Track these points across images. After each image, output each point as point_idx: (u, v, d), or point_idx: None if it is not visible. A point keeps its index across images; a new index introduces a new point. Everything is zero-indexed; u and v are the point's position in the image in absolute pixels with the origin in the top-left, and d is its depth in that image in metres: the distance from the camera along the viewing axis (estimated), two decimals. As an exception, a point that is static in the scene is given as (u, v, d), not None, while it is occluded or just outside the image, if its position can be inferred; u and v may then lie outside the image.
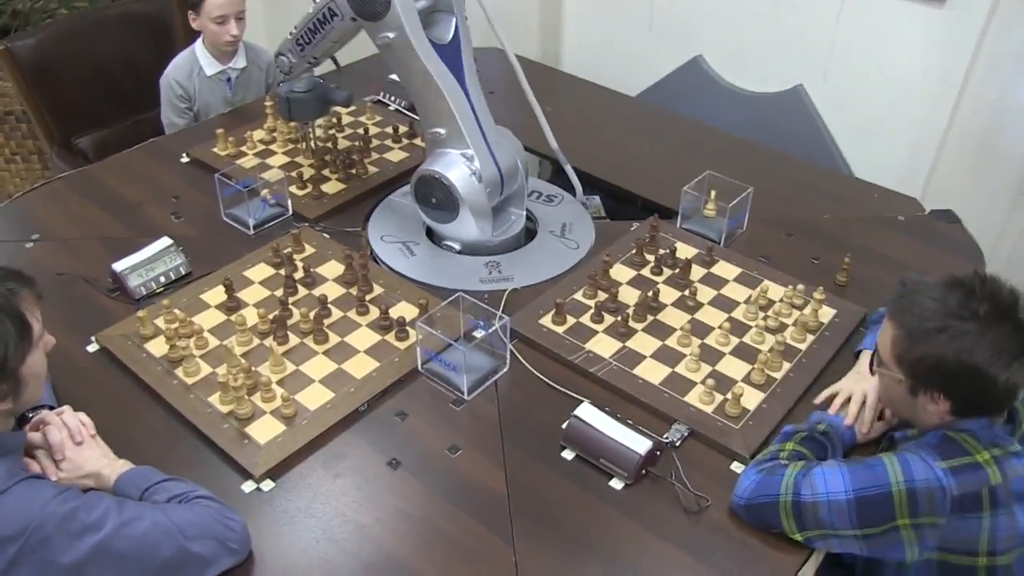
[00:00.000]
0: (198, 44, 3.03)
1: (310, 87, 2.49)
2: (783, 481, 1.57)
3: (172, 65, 3.03)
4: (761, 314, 2.09)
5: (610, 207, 2.61)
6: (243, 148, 2.72)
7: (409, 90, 2.25)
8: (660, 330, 2.05)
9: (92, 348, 1.98)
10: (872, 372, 1.68)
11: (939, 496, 1.46)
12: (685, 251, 2.30)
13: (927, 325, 1.49)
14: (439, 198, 2.25)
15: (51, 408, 1.66)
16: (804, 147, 3.18)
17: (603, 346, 2.00)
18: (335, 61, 2.53)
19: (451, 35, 2.20)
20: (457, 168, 2.21)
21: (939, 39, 2.83)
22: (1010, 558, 1.54)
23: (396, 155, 2.73)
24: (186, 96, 3.02)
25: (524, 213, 2.40)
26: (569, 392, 1.89)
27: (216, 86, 3.06)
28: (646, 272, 2.24)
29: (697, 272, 2.23)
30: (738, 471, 1.70)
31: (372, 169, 2.64)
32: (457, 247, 2.34)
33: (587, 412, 1.75)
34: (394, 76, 3.08)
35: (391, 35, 2.11)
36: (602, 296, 2.13)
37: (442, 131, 2.23)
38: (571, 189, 2.57)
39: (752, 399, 1.86)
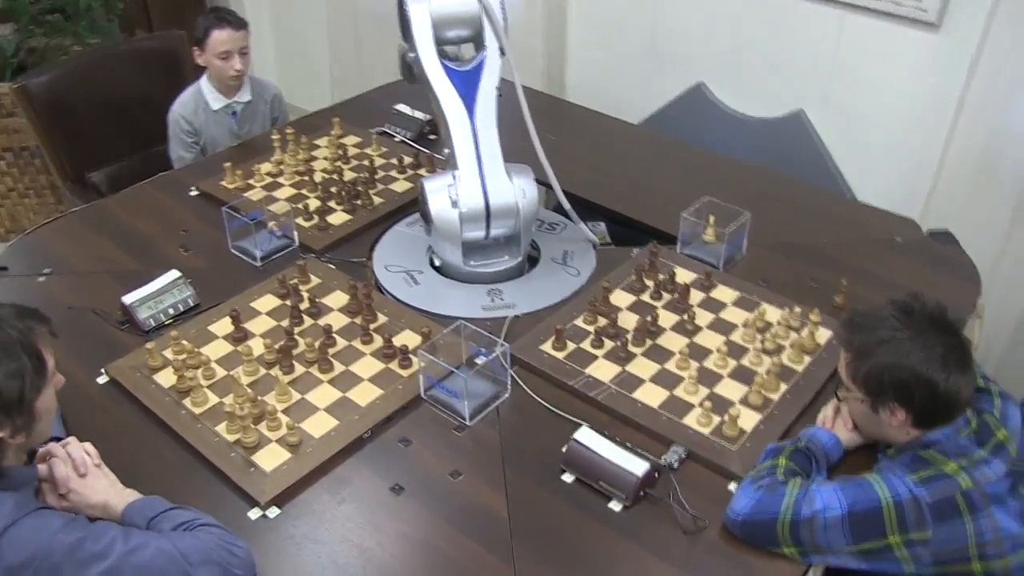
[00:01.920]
0: (203, 79, 3.09)
1: None
2: (784, 500, 1.61)
3: (178, 101, 3.09)
4: (759, 337, 2.11)
5: (617, 233, 2.65)
6: (251, 181, 2.77)
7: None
8: (659, 354, 2.08)
9: (102, 379, 2.02)
10: (839, 399, 1.82)
11: (917, 508, 1.55)
12: (684, 276, 2.33)
13: (870, 340, 1.65)
14: (423, 210, 2.34)
15: (59, 439, 1.69)
16: (807, 171, 3.21)
17: (603, 370, 2.03)
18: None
19: (473, 65, 2.28)
20: (442, 190, 2.27)
21: (935, 62, 2.87)
22: (1007, 563, 1.59)
23: (401, 185, 2.78)
24: (193, 131, 3.08)
25: (521, 258, 2.40)
26: (569, 416, 1.92)
27: (222, 120, 3.12)
28: (645, 297, 2.27)
29: (696, 296, 2.26)
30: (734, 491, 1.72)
31: (377, 200, 2.68)
32: (436, 262, 2.40)
33: (586, 436, 1.78)
34: (399, 106, 3.14)
35: (411, 54, 2.29)
36: (602, 322, 2.16)
37: (447, 151, 2.32)
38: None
39: (749, 420, 1.89)
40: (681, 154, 3.09)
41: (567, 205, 2.48)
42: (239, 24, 3.00)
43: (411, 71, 2.40)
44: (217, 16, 2.98)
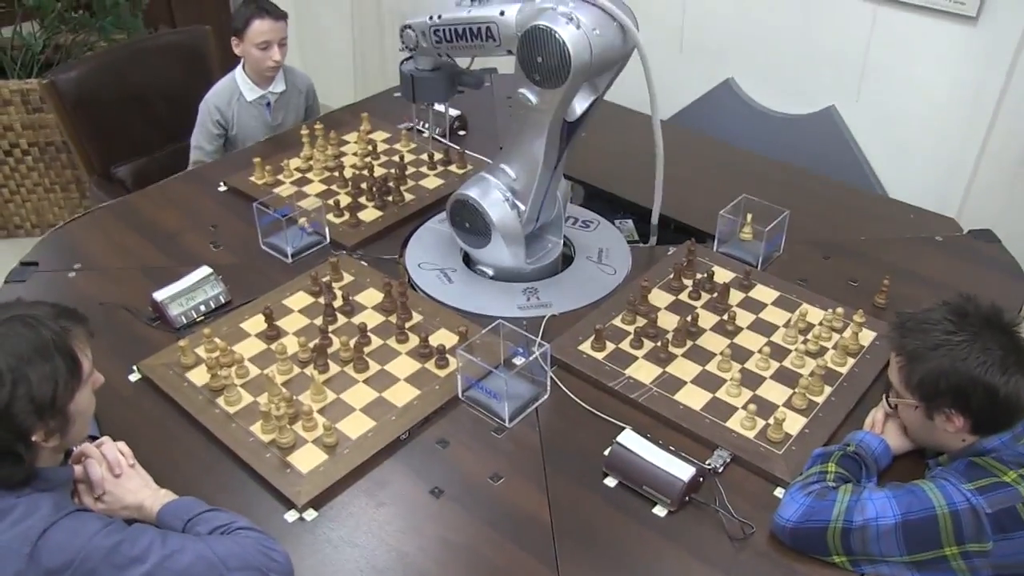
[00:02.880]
0: (238, 70, 3.08)
1: (437, 65, 2.33)
2: (835, 507, 1.56)
3: (213, 91, 3.08)
4: (801, 338, 2.08)
5: (644, 231, 2.61)
6: (280, 176, 2.74)
7: (510, 127, 2.17)
8: (700, 355, 2.04)
9: (134, 377, 2.00)
10: (890, 406, 1.75)
11: (975, 518, 1.49)
12: (723, 275, 2.29)
13: (925, 345, 1.59)
14: (471, 223, 2.26)
15: (93, 438, 1.67)
16: (838, 168, 3.17)
17: (643, 372, 1.99)
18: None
19: (581, 111, 2.06)
20: (493, 194, 2.21)
21: (973, 56, 2.82)
22: None
23: (431, 182, 2.75)
24: (223, 122, 3.07)
25: (561, 241, 2.39)
26: (610, 418, 1.88)
27: (255, 111, 3.10)
28: (684, 297, 2.23)
29: (735, 296, 2.22)
30: (782, 497, 1.68)
31: (408, 196, 2.65)
32: (490, 272, 2.35)
33: (629, 439, 1.75)
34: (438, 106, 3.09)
35: (535, 100, 2.01)
36: (641, 321, 2.12)
37: (512, 173, 2.21)
38: (605, 214, 2.58)
39: (794, 424, 1.85)
40: (710, 151, 3.05)
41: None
42: (279, 15, 2.99)
43: (415, 89, 2.33)
44: (258, 6, 2.97)
